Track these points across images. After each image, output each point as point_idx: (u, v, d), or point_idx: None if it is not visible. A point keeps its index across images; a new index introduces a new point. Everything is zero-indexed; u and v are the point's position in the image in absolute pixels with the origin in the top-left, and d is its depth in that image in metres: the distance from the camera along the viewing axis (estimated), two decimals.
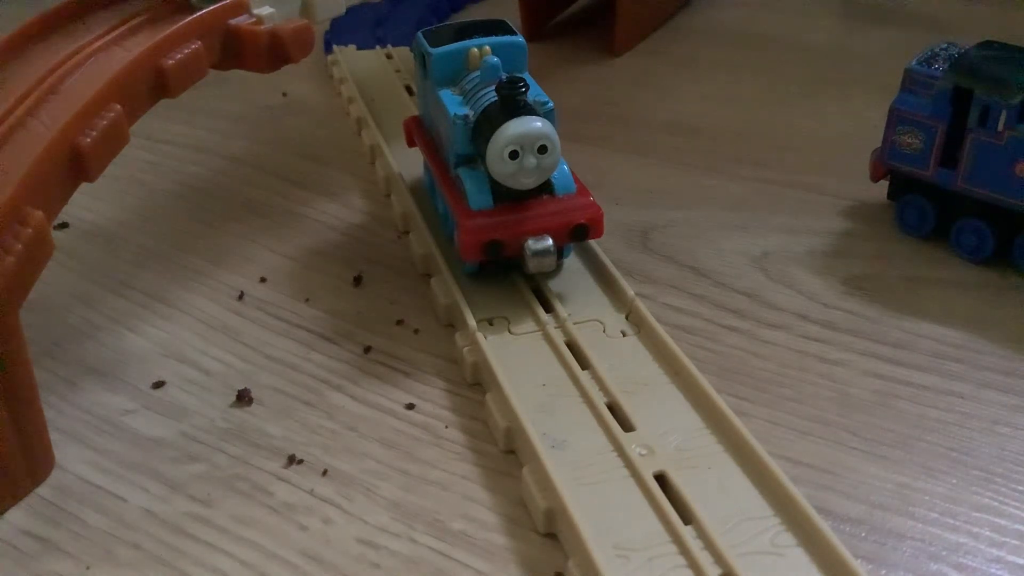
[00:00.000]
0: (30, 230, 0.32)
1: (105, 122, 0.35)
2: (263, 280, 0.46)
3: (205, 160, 0.58)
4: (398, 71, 0.66)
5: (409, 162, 0.52)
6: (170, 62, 0.37)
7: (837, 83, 0.66)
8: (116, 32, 0.39)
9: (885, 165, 0.48)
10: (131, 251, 0.49)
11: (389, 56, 0.68)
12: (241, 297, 0.45)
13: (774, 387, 0.38)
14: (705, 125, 0.61)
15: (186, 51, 0.37)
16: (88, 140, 0.34)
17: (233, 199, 0.54)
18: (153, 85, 0.37)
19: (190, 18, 0.38)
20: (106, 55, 0.38)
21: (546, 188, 0.41)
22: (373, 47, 0.70)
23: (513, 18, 0.74)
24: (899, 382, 0.39)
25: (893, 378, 0.39)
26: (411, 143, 0.50)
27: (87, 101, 0.34)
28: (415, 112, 0.58)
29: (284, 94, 0.66)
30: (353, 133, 0.60)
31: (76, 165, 0.34)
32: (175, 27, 0.37)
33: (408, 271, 0.47)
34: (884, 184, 0.49)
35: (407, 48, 0.69)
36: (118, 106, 0.35)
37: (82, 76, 0.37)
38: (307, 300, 0.45)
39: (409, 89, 0.63)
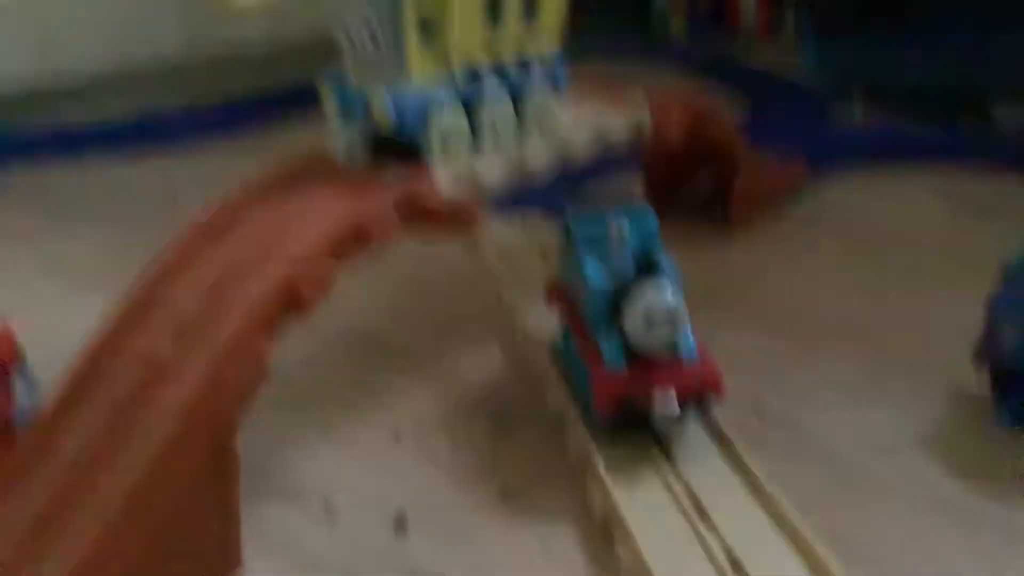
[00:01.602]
0: (252, 354, 0.39)
1: (319, 272, 0.42)
2: (414, 421, 0.52)
3: (359, 309, 0.65)
4: (534, 240, 0.72)
5: (545, 320, 0.58)
6: (371, 224, 0.44)
7: (939, 277, 0.69)
8: (323, 197, 0.47)
9: (986, 358, 0.51)
10: (297, 384, 0.55)
11: (524, 225, 0.76)
12: (397, 437, 0.50)
13: (887, 561, 0.41)
14: (811, 308, 0.65)
15: (384, 215, 0.44)
16: (304, 286, 0.41)
17: (385, 345, 0.61)
18: (355, 241, 0.44)
19: (389, 188, 0.45)
20: (316, 217, 0.45)
21: (674, 353, 0.46)
22: (510, 217, 0.77)
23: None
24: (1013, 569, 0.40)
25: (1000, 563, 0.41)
26: (551, 303, 0.55)
27: (307, 253, 0.41)
28: (548, 276, 0.64)
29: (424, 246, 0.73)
30: (493, 293, 0.66)
31: (293, 305, 0.41)
32: (377, 195, 0.45)
33: (543, 422, 0.51)
34: (986, 375, 0.52)
35: (541, 219, 0.76)
36: (330, 259, 0.42)
37: (297, 234, 0.44)
38: (450, 445, 0.50)
39: (544, 255, 0.69)
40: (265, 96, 1.23)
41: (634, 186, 0.82)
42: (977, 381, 0.52)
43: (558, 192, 0.81)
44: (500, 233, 0.74)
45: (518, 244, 0.72)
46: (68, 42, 1.07)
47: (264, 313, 0.40)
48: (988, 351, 0.50)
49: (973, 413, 0.52)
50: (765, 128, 0.96)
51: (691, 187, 0.85)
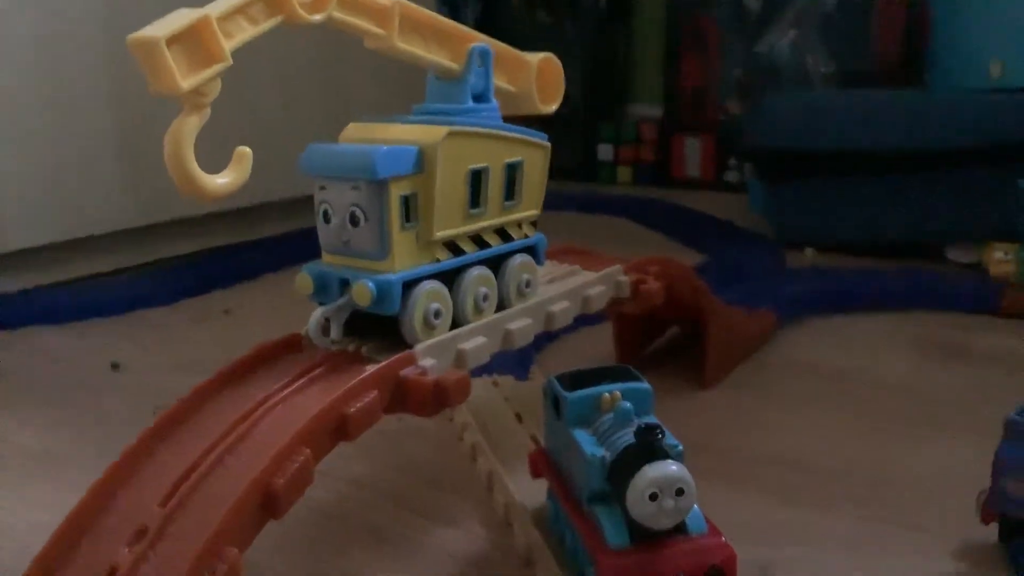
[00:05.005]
0: (226, 566, 0.35)
1: (296, 465, 0.38)
2: None
3: (329, 484, 0.61)
4: (507, 399, 0.70)
5: (527, 490, 0.55)
6: (352, 410, 0.41)
7: (920, 420, 0.69)
8: (300, 381, 0.44)
9: (995, 510, 0.49)
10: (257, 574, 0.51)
11: (496, 383, 0.74)
12: None
13: None
14: (800, 459, 0.64)
15: (365, 400, 0.42)
16: (281, 482, 0.38)
17: (355, 525, 0.56)
18: (335, 430, 0.41)
19: (370, 370, 0.43)
20: (293, 403, 0.42)
21: (680, 528, 0.44)
22: (480, 376, 0.75)
23: (607, 348, 0.80)
24: None
25: None
26: (536, 475, 0.53)
27: (282, 446, 0.38)
28: (526, 440, 0.61)
29: (399, 418, 0.70)
30: (468, 459, 0.63)
31: (268, 504, 0.38)
32: (358, 379, 0.42)
33: None
34: (994, 525, 0.50)
35: (512, 377, 0.74)
36: (307, 450, 0.39)
37: (273, 422, 0.41)
38: None
39: (519, 416, 0.67)
40: (210, 259, 1.22)
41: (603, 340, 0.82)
42: (984, 530, 0.51)
43: (528, 350, 0.80)
44: (472, 394, 0.72)
45: (491, 405, 0.70)
46: (9, 211, 1.04)
47: (236, 516, 0.36)
48: (997, 504, 0.49)
49: (982, 566, 0.50)
50: (722, 275, 0.97)
51: (662, 341, 0.85)
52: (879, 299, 0.94)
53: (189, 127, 0.38)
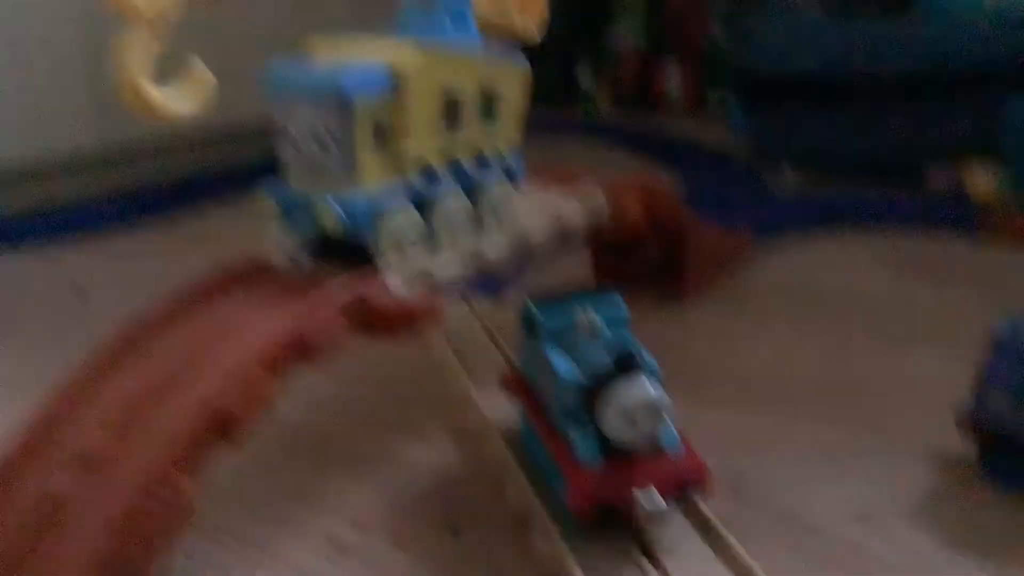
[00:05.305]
0: (173, 492, 0.34)
1: (253, 388, 0.37)
2: (356, 527, 0.47)
3: (298, 405, 0.60)
4: (481, 321, 0.69)
5: (499, 408, 0.54)
6: (313, 331, 0.40)
7: (896, 336, 0.69)
8: (262, 303, 0.43)
9: (975, 421, 0.49)
10: (227, 496, 0.50)
11: (471, 306, 0.72)
12: (335, 544, 0.45)
13: None
14: (775, 373, 0.64)
15: (327, 321, 0.41)
16: (237, 404, 0.37)
17: (326, 443, 0.56)
18: (296, 352, 0.40)
19: (335, 292, 0.42)
20: (252, 324, 0.41)
21: (654, 445, 0.43)
22: (455, 299, 0.74)
23: (584, 272, 0.79)
24: None
25: None
26: (510, 395, 0.52)
27: (237, 367, 0.37)
28: (500, 361, 0.61)
29: (371, 342, 0.69)
30: (441, 380, 0.63)
31: (223, 429, 0.36)
32: (320, 300, 0.41)
33: (506, 520, 0.47)
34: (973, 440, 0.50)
35: (487, 300, 0.73)
36: (266, 372, 0.38)
37: (230, 344, 0.40)
38: (401, 549, 0.45)
39: (493, 338, 0.66)
40: (177, 183, 1.19)
41: (581, 260, 0.80)
42: (960, 444, 0.51)
43: (504, 273, 0.78)
44: (445, 315, 0.71)
45: (466, 328, 0.69)
46: None
47: (187, 441, 0.35)
48: (977, 415, 0.49)
49: (958, 478, 0.50)
50: (702, 198, 0.96)
51: (639, 260, 0.84)
52: (859, 219, 0.93)
53: (137, 39, 0.36)
